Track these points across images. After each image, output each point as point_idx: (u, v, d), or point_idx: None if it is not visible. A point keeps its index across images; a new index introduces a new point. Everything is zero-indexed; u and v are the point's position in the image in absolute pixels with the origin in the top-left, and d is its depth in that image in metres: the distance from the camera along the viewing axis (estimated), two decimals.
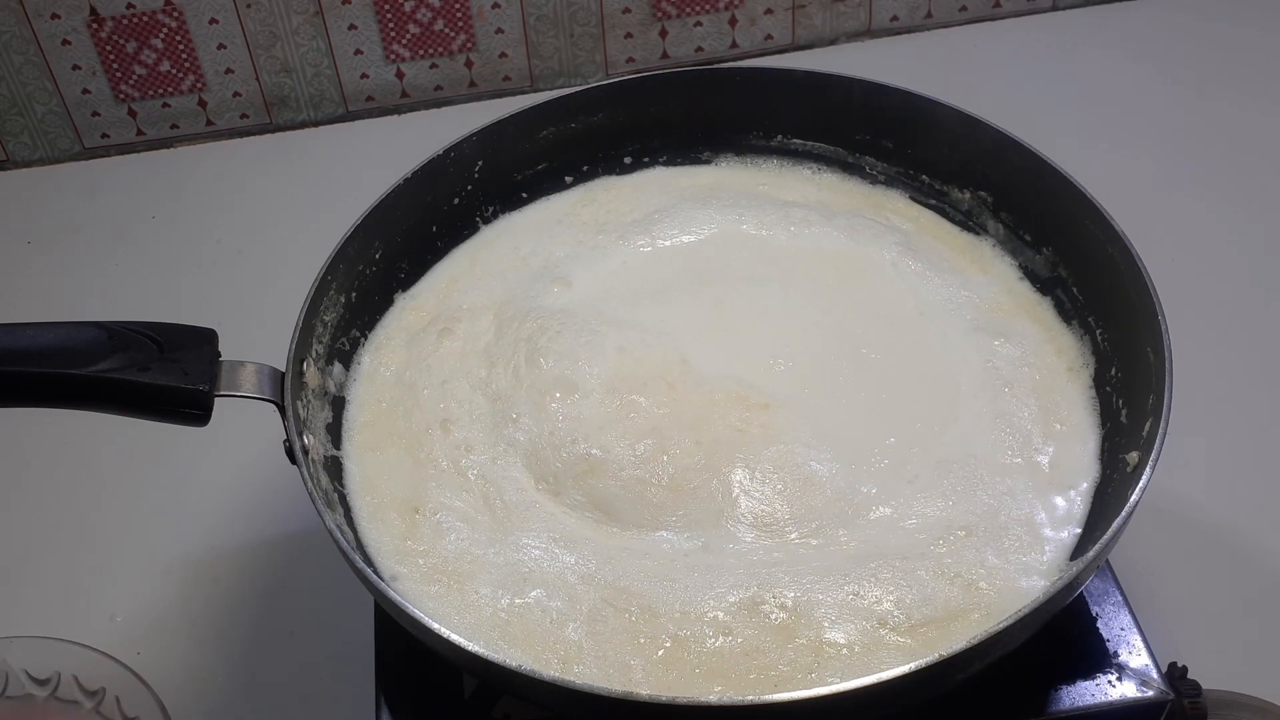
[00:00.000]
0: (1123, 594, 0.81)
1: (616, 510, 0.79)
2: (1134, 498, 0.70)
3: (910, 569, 0.75)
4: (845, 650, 0.72)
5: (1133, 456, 0.76)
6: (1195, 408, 0.92)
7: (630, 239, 0.96)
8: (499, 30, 1.34)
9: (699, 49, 1.39)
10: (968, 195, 0.97)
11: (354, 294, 0.90)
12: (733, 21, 1.37)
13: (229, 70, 1.35)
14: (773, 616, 0.73)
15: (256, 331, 0.83)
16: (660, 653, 0.73)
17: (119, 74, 1.33)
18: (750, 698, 0.65)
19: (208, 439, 0.80)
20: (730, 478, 0.80)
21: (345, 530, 0.76)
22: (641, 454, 0.81)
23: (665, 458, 0.81)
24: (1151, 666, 0.77)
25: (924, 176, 0.99)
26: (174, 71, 1.34)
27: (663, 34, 1.37)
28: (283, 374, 0.79)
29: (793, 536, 0.77)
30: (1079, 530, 0.77)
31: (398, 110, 1.39)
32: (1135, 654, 0.78)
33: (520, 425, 0.84)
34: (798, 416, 0.83)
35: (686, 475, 0.80)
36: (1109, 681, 0.76)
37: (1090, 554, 0.69)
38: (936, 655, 0.64)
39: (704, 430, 0.82)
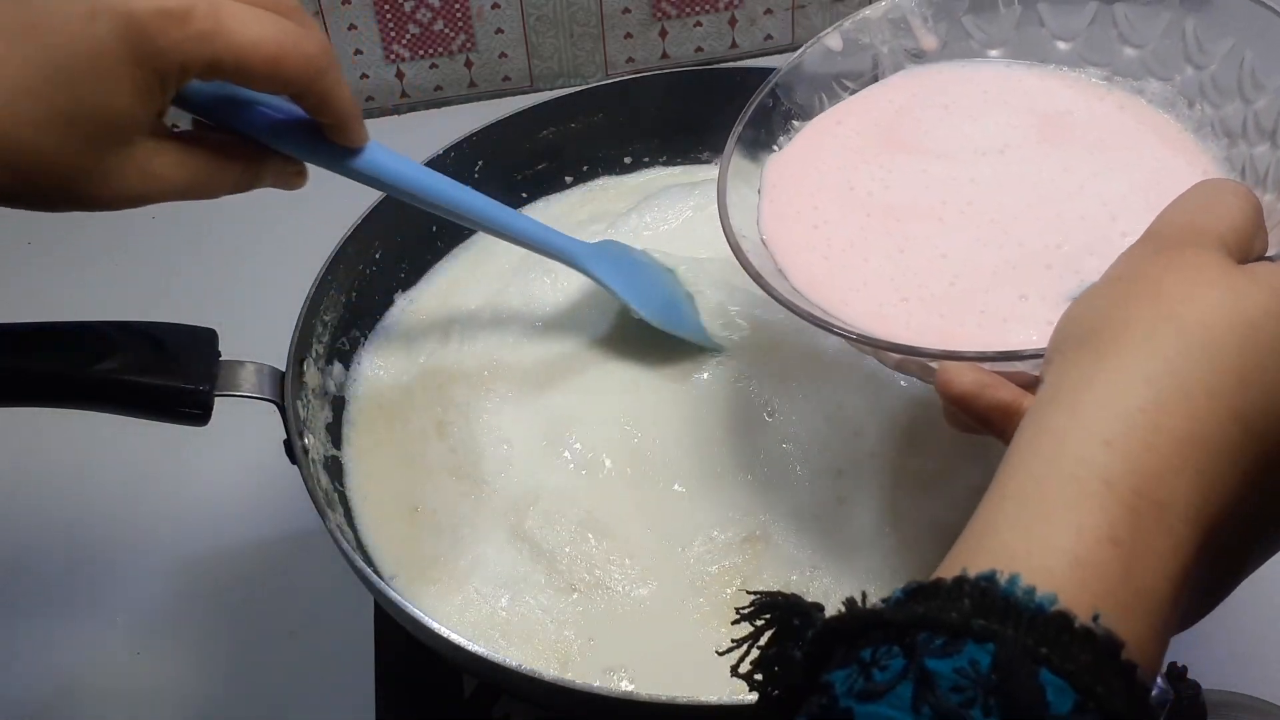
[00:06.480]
0: None
1: (611, 530, 0.78)
2: None
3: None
4: None
5: None
6: None
7: (620, 226, 0.95)
8: (499, 30, 1.34)
9: (699, 49, 1.39)
10: None
11: (354, 294, 0.90)
12: (733, 22, 1.37)
13: None
14: None
15: (256, 331, 0.83)
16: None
17: None
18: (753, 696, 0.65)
19: (208, 439, 0.80)
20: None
21: (345, 530, 0.76)
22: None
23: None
24: None
25: None
26: None
27: (663, 34, 1.37)
28: (283, 374, 0.79)
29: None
30: None
31: (397, 110, 1.39)
32: None
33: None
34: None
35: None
36: None
37: None
38: None
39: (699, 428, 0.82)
